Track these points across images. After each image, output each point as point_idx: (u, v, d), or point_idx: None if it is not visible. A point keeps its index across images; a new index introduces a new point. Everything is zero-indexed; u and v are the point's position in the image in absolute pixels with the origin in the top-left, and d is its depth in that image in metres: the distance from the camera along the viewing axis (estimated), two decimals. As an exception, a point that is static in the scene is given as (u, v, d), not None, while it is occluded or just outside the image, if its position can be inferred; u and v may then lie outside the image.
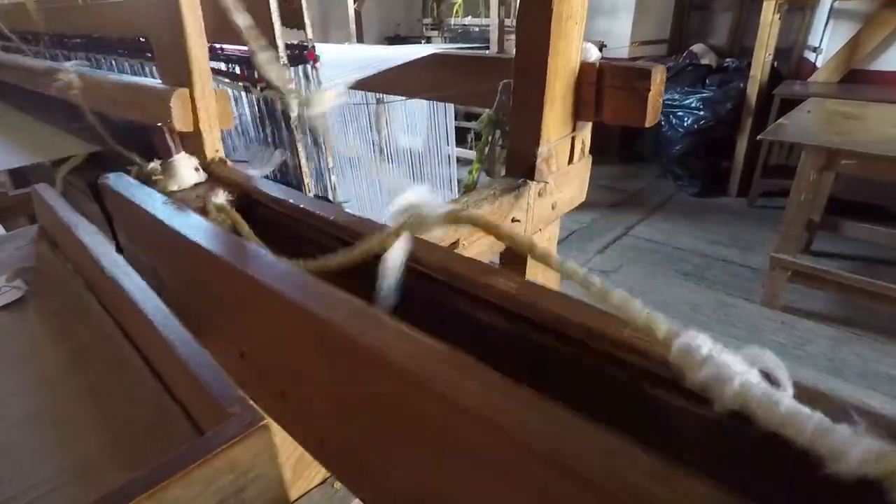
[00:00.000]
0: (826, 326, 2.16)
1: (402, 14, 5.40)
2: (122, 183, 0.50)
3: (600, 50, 4.37)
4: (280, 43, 0.69)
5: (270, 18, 0.67)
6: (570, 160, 1.10)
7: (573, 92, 1.01)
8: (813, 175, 2.03)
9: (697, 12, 4.46)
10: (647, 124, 0.98)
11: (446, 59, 1.26)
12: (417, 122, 1.50)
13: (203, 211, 0.45)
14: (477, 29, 4.22)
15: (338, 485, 1.00)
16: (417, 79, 1.32)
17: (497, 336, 0.35)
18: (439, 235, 0.85)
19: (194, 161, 0.55)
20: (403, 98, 1.42)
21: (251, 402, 0.24)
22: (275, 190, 0.52)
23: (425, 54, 1.25)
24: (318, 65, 0.77)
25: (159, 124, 0.59)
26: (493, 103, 1.14)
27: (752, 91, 3.28)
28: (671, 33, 4.53)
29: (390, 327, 0.28)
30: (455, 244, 0.90)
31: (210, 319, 0.41)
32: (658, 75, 0.93)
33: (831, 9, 3.28)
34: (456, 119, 2.45)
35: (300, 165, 0.73)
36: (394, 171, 1.59)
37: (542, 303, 0.33)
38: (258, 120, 0.78)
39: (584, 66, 1.00)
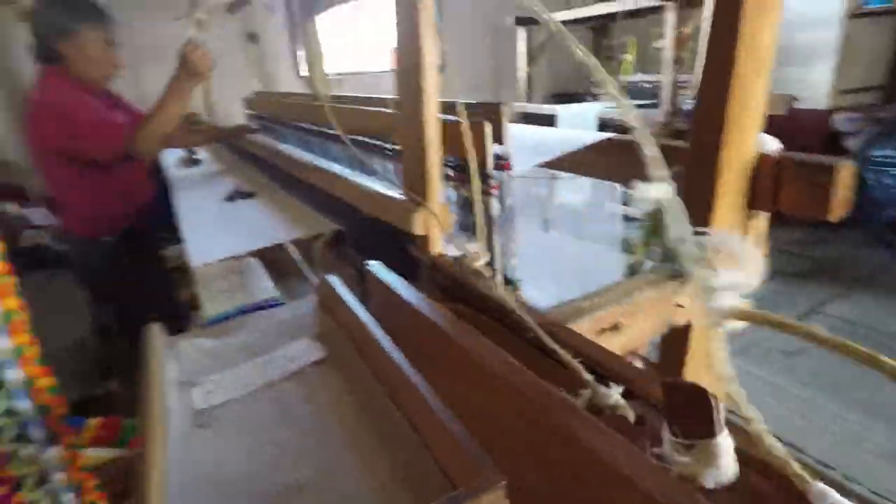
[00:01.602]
0: None
1: (572, 71, 5.58)
2: (379, 269, 0.70)
3: (791, 104, 4.00)
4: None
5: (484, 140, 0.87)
6: (743, 246, 1.10)
7: (748, 182, 1.03)
8: None
9: (922, 54, 3.88)
10: (833, 219, 0.95)
11: (618, 143, 1.35)
12: (583, 180, 1.60)
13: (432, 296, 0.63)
14: (648, 85, 4.20)
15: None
16: (589, 160, 1.43)
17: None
18: (599, 315, 0.94)
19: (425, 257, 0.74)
20: (574, 175, 1.54)
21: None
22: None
23: (600, 139, 1.36)
24: (510, 172, 0.93)
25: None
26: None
27: None
28: (887, 78, 3.99)
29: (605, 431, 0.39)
30: (617, 325, 0.97)
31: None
32: (845, 172, 0.91)
33: None
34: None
35: (492, 253, 0.91)
36: (556, 228, 1.69)
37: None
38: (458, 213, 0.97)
39: (762, 158, 1.01)
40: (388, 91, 1.27)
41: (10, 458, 0.56)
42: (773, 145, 1.03)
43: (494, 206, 0.91)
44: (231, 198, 1.48)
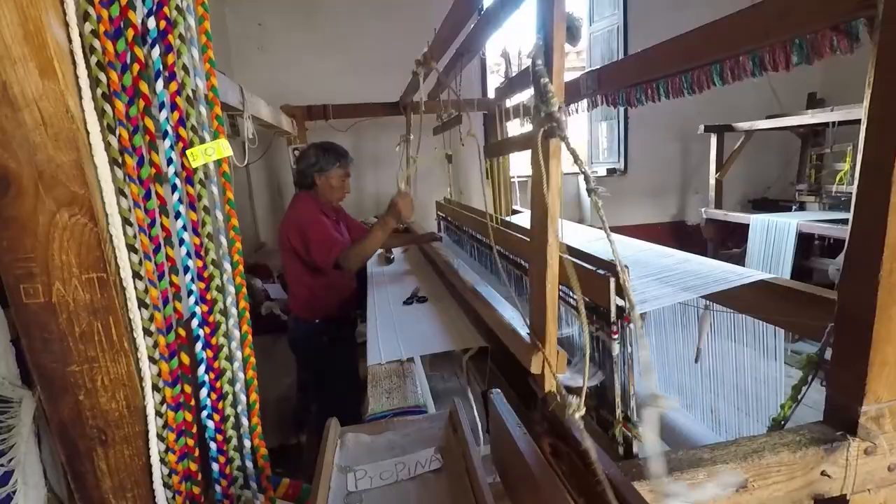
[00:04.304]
0: None
1: (774, 177, 5.18)
2: (497, 400, 0.84)
3: None
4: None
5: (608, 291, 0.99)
6: (920, 421, 0.99)
7: (921, 354, 0.95)
8: None
9: None
10: None
11: (773, 286, 1.32)
12: (744, 330, 1.55)
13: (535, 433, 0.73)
14: (867, 198, 3.69)
15: None
16: (742, 297, 1.41)
17: None
18: (720, 468, 0.93)
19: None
20: (731, 311, 1.52)
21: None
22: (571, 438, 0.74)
23: (752, 279, 1.35)
24: (629, 324, 1.02)
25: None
26: (821, 340, 1.13)
27: None
28: None
29: None
30: (743, 483, 0.95)
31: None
32: None
33: None
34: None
35: (612, 390, 1.00)
36: (710, 379, 1.64)
37: None
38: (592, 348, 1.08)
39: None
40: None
41: (236, 499, 0.85)
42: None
43: (615, 348, 1.00)
44: (408, 301, 1.79)
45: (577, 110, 2.29)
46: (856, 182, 0.92)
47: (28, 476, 1.00)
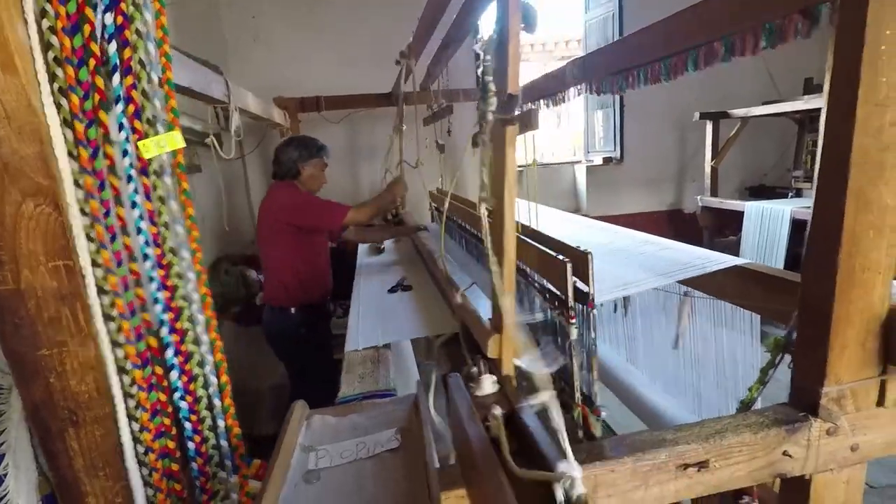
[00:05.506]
0: None
1: (771, 164, 5.15)
2: (455, 382, 0.87)
3: None
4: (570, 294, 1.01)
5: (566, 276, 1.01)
6: (881, 402, 1.01)
7: (880, 336, 0.97)
8: None
9: None
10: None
11: (747, 272, 1.34)
12: (724, 315, 1.57)
13: (485, 417, 0.74)
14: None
15: None
16: (720, 283, 1.43)
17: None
18: (681, 450, 0.95)
19: (493, 378, 0.86)
20: (709, 297, 1.54)
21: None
22: (521, 422, 0.73)
23: (727, 265, 1.36)
24: (594, 310, 1.03)
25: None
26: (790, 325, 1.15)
27: None
28: None
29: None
30: (704, 463, 0.97)
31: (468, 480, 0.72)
32: None
33: None
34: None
35: (572, 373, 1.01)
36: (692, 363, 1.66)
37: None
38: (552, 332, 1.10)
39: (896, 312, 0.94)
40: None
41: (211, 476, 0.89)
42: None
43: (572, 332, 1.02)
44: (393, 289, 1.82)
45: (564, 99, 2.29)
46: (817, 167, 0.93)
47: (19, 460, 1.04)
